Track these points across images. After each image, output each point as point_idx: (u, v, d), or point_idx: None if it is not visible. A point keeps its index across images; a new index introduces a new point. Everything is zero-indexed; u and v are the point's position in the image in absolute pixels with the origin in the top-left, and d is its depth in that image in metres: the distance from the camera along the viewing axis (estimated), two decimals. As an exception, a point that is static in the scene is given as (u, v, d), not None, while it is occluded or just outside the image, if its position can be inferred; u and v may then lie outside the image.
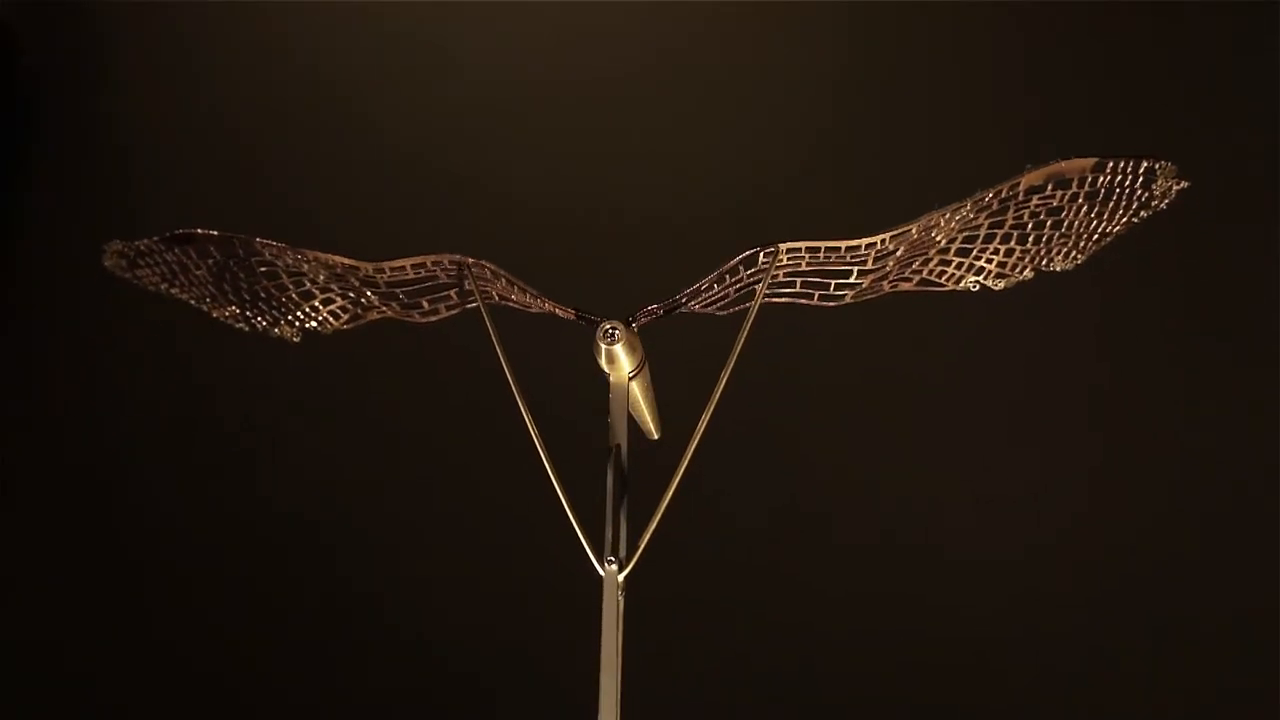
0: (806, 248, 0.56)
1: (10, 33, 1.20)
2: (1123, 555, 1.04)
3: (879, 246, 0.56)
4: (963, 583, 1.05)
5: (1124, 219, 0.58)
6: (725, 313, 0.58)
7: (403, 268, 0.59)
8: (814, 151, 1.16)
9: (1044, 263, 0.60)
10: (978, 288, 0.60)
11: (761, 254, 0.56)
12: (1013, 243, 0.59)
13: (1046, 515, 1.06)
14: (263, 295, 0.63)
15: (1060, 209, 0.57)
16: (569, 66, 1.19)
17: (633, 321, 0.56)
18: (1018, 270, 0.60)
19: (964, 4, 1.17)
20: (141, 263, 0.62)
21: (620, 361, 0.55)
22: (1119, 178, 0.56)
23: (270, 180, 1.18)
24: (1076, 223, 0.58)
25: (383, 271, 0.59)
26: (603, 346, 0.55)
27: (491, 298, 0.59)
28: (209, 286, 0.63)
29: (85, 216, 1.19)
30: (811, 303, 0.58)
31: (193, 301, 0.64)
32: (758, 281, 0.57)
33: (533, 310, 0.59)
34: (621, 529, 0.50)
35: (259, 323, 0.64)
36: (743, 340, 0.54)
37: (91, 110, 1.21)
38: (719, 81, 1.19)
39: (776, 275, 0.57)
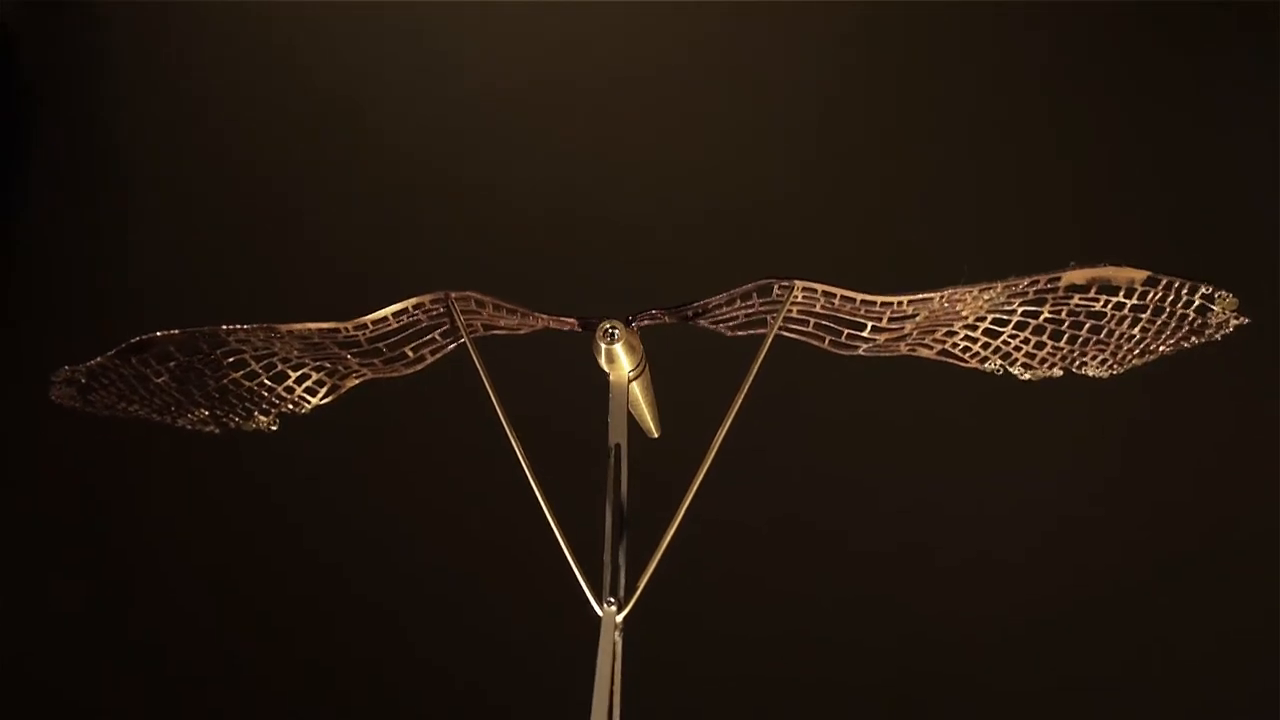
0: (823, 290, 0.54)
1: (10, 33, 1.19)
2: (1125, 563, 1.04)
3: (895, 308, 0.54)
4: (971, 593, 1.04)
5: (1172, 341, 0.55)
6: (731, 334, 0.57)
7: (384, 319, 0.55)
8: (814, 154, 1.15)
9: (1076, 365, 0.57)
10: (1002, 372, 0.57)
11: (776, 286, 0.54)
12: (1045, 336, 0.55)
13: (1056, 526, 1.06)
14: (232, 389, 0.59)
15: (1103, 314, 0.54)
16: (570, 70, 1.19)
17: (632, 321, 0.54)
18: (1046, 365, 0.57)
19: (964, 6, 1.16)
20: (95, 384, 0.58)
21: (620, 361, 0.54)
22: (1171, 296, 0.53)
23: (269, 181, 1.18)
24: (1119, 333, 0.55)
25: (364, 328, 0.56)
26: (603, 346, 0.54)
27: (477, 330, 0.57)
28: (172, 393, 0.59)
29: (84, 216, 1.18)
30: (822, 346, 0.56)
31: (155, 415, 0.60)
32: (769, 312, 0.55)
33: (522, 332, 0.57)
34: (620, 567, 0.49)
35: (231, 420, 0.61)
36: (753, 376, 0.52)
37: (91, 111, 1.20)
38: (720, 84, 1.18)
39: (790, 311, 0.55)
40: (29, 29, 1.20)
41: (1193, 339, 0.55)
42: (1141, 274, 0.52)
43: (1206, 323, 0.54)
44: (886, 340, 0.56)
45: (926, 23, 1.17)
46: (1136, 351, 0.56)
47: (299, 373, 0.59)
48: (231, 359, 0.58)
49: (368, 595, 1.08)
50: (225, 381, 0.59)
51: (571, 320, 0.55)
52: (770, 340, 0.54)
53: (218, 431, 0.61)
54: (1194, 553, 1.03)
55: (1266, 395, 1.06)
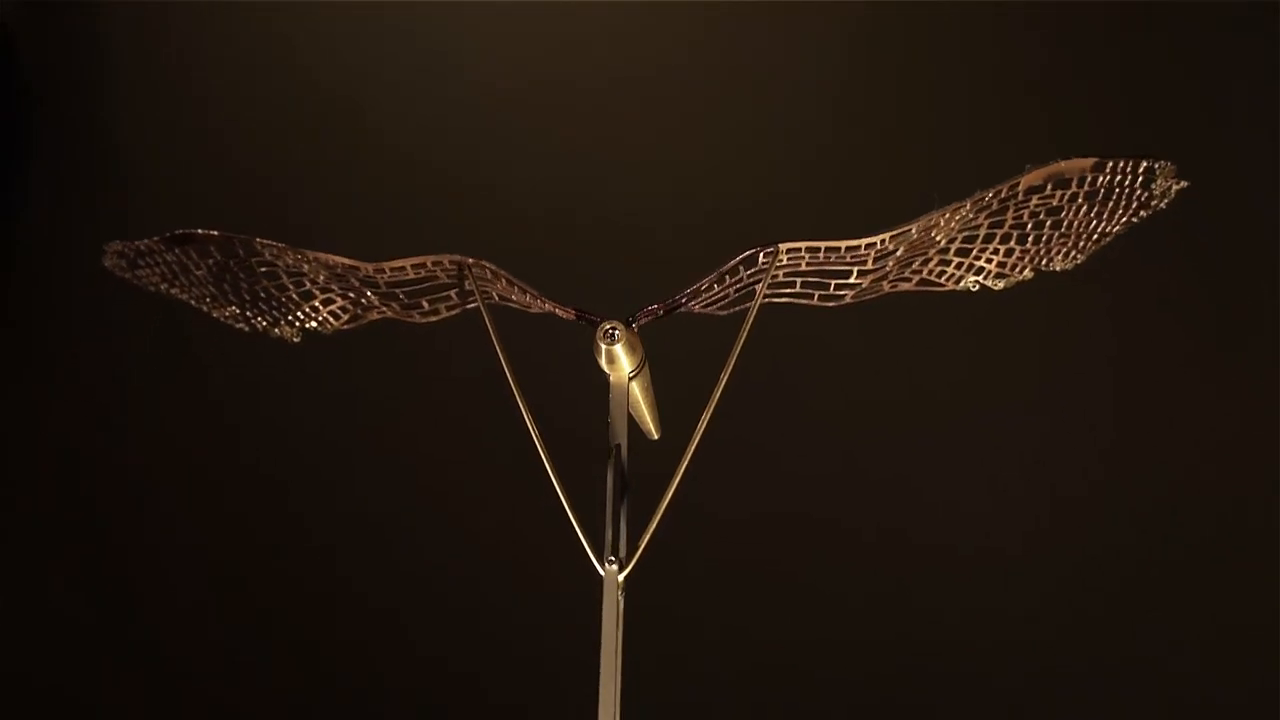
0: (806, 248, 0.56)
1: (10, 33, 1.19)
2: (1125, 555, 1.04)
3: (879, 246, 0.56)
4: (966, 584, 1.05)
5: (1124, 219, 0.58)
6: (725, 313, 0.58)
7: (403, 268, 0.58)
8: (814, 154, 1.16)
9: (1044, 262, 0.60)
10: (977, 288, 0.60)
11: (761, 254, 0.56)
12: (1012, 243, 0.58)
13: (1050, 511, 1.06)
14: (263, 295, 0.63)
15: (1060, 209, 0.57)
16: (570, 69, 1.19)
17: (633, 322, 0.56)
18: (1017, 270, 0.60)
19: (964, 6, 1.16)
20: (142, 263, 0.62)
21: (620, 361, 0.55)
22: (1118, 177, 0.56)
23: (269, 181, 1.18)
24: (1076, 223, 0.58)
25: (383, 272, 0.59)
26: (603, 346, 0.55)
27: (491, 298, 0.59)
28: (209, 287, 0.62)
29: (84, 216, 1.18)
30: (811, 303, 0.58)
31: (193, 302, 0.64)
32: (758, 281, 0.56)
33: (533, 310, 0.59)
34: (622, 529, 0.50)
35: (259, 323, 0.64)
36: (743, 340, 0.54)
37: (90, 111, 1.20)
38: (720, 84, 1.19)
39: (776, 275, 0.57)
40: (29, 29, 1.20)
41: (1141, 213, 0.58)
42: (1089, 161, 0.55)
43: (1151, 194, 0.57)
44: (871, 282, 0.58)
45: (926, 23, 1.18)
46: (1095, 237, 0.59)
47: (325, 295, 0.62)
48: (264, 269, 0.61)
49: (369, 585, 1.09)
50: (257, 287, 0.62)
51: (572, 311, 0.57)
52: (758, 305, 0.56)
53: (247, 329, 0.64)
54: (1193, 546, 1.04)
55: (1267, 393, 1.06)
